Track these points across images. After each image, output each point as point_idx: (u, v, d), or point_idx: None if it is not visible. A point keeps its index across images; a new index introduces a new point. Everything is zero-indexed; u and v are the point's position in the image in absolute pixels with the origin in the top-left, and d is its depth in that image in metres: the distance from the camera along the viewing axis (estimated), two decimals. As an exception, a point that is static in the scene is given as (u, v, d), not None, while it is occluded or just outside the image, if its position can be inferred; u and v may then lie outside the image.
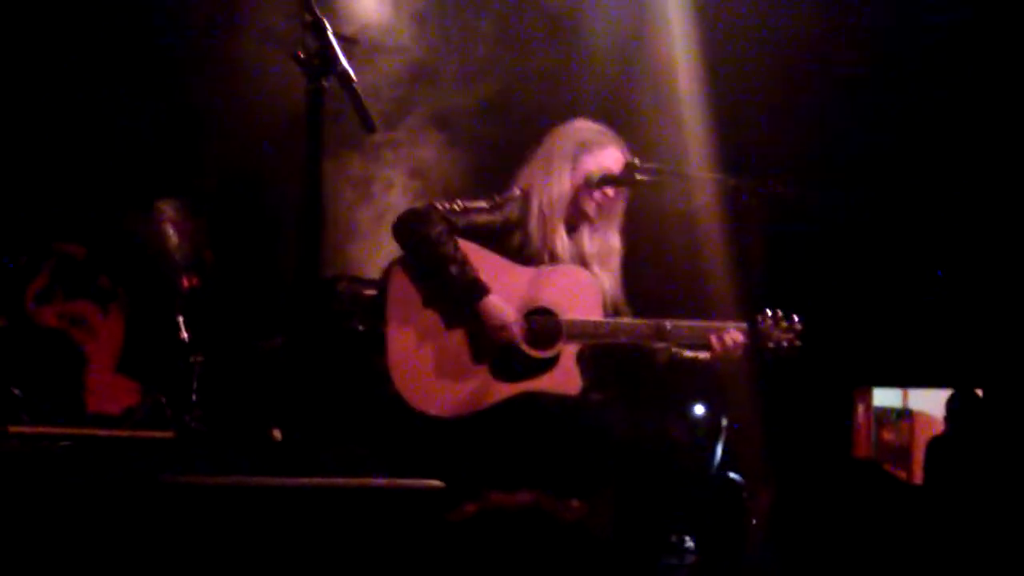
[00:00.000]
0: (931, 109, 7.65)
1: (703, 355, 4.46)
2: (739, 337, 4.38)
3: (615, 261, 4.54)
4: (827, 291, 7.35)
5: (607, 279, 4.48)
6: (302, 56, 3.50)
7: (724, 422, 7.22)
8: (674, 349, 4.49)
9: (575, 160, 4.46)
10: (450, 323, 4.23)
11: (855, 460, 8.62)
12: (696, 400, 7.15)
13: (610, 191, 4.47)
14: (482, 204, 4.42)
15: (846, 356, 8.23)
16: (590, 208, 4.47)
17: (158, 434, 5.03)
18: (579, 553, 4.02)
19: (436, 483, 3.57)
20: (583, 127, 4.55)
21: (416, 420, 4.16)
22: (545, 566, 3.97)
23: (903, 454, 8.76)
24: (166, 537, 3.48)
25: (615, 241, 4.55)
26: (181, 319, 5.39)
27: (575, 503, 3.96)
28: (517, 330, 4.23)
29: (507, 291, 4.25)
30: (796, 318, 4.47)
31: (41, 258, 5.41)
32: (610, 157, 4.48)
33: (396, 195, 6.07)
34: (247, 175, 6.12)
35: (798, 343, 4.45)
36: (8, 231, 5.52)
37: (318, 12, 3.45)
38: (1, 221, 5.58)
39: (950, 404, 7.86)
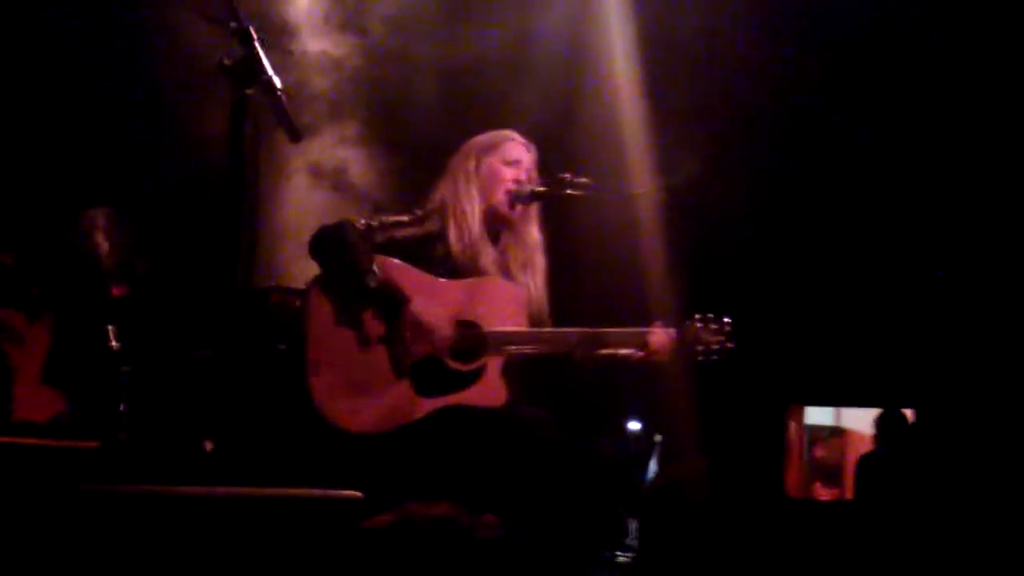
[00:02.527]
0: (872, 121, 7.71)
1: (622, 351, 4.45)
2: (665, 338, 4.38)
3: (539, 257, 4.55)
4: (761, 309, 7.38)
5: (534, 281, 4.49)
6: (227, 63, 3.49)
7: (658, 438, 7.25)
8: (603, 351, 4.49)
9: (479, 168, 4.49)
10: (371, 340, 4.22)
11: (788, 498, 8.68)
12: (629, 416, 7.17)
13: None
14: (403, 218, 4.44)
15: (779, 374, 8.28)
16: (509, 214, 4.48)
17: (83, 444, 4.97)
18: (495, 570, 4.01)
19: (355, 494, 3.56)
20: (478, 137, 4.59)
21: (339, 437, 4.15)
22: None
23: (835, 471, 8.81)
24: (85, 546, 3.45)
25: (536, 235, 4.57)
26: (111, 328, 5.33)
27: (490, 518, 3.95)
28: (445, 334, 4.22)
29: (430, 305, 4.24)
30: (726, 320, 4.47)
31: (-33, 265, 5.36)
32: (511, 150, 4.52)
33: (328, 201, 6.07)
34: (180, 183, 6.08)
35: (729, 344, 4.45)
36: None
37: (244, 20, 3.44)
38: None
39: (878, 422, 7.95)
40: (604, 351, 4.45)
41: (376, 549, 3.55)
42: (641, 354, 4.40)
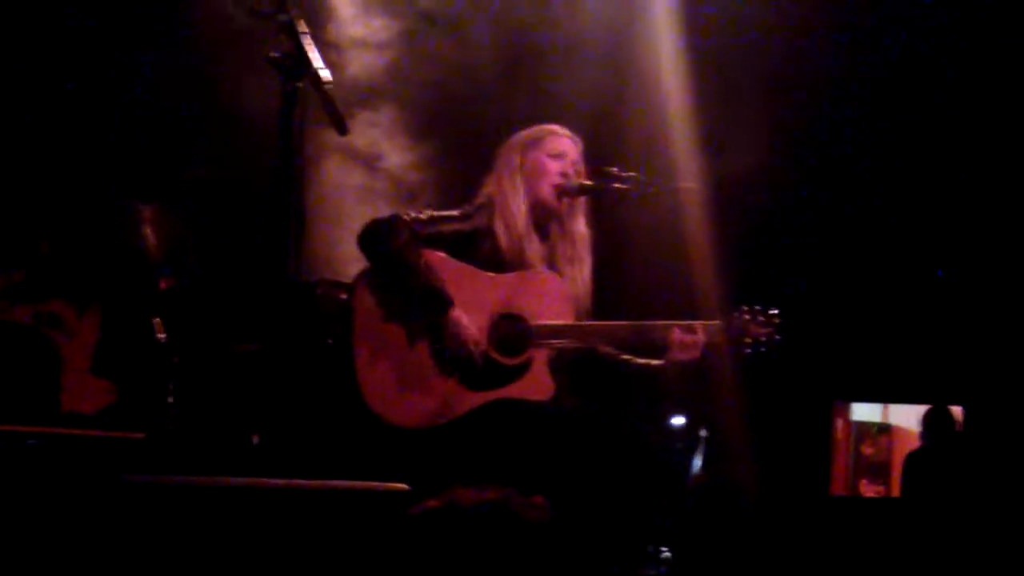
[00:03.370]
0: (919, 121, 7.66)
1: (655, 362, 4.44)
2: (700, 335, 4.35)
3: (585, 250, 4.54)
4: (808, 304, 7.35)
5: (581, 274, 4.48)
6: (275, 56, 3.50)
7: (703, 434, 7.22)
8: (624, 357, 4.48)
9: (523, 162, 4.48)
10: (417, 334, 4.23)
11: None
12: (675, 410, 7.15)
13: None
14: (452, 213, 4.44)
15: (826, 370, 8.25)
16: (556, 207, 4.48)
17: (131, 435, 5.01)
18: (544, 554, 4.00)
19: (402, 486, 3.57)
20: (523, 131, 4.59)
21: (387, 432, 4.16)
22: (510, 566, 3.95)
23: (882, 468, 8.77)
24: (128, 537, 3.47)
25: (583, 228, 4.55)
26: (158, 321, 5.36)
27: (539, 500, 3.95)
28: (481, 347, 4.22)
29: (476, 299, 4.25)
30: (772, 311, 4.43)
31: (17, 255, 5.39)
32: (556, 144, 4.50)
33: (378, 196, 6.07)
34: (230, 176, 6.11)
35: (777, 336, 4.41)
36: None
37: (292, 13, 3.45)
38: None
39: (925, 419, 7.91)
40: (638, 361, 4.46)
41: (423, 535, 3.55)
42: (673, 360, 4.36)
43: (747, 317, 4.40)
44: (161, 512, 3.49)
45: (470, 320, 4.21)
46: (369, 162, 6.12)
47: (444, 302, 4.17)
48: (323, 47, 3.67)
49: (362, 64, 6.14)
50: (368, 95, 6.12)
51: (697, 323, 4.37)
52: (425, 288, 4.16)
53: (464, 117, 6.35)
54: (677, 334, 4.32)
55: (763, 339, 4.39)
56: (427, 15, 6.32)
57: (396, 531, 3.40)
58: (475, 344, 4.20)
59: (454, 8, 6.38)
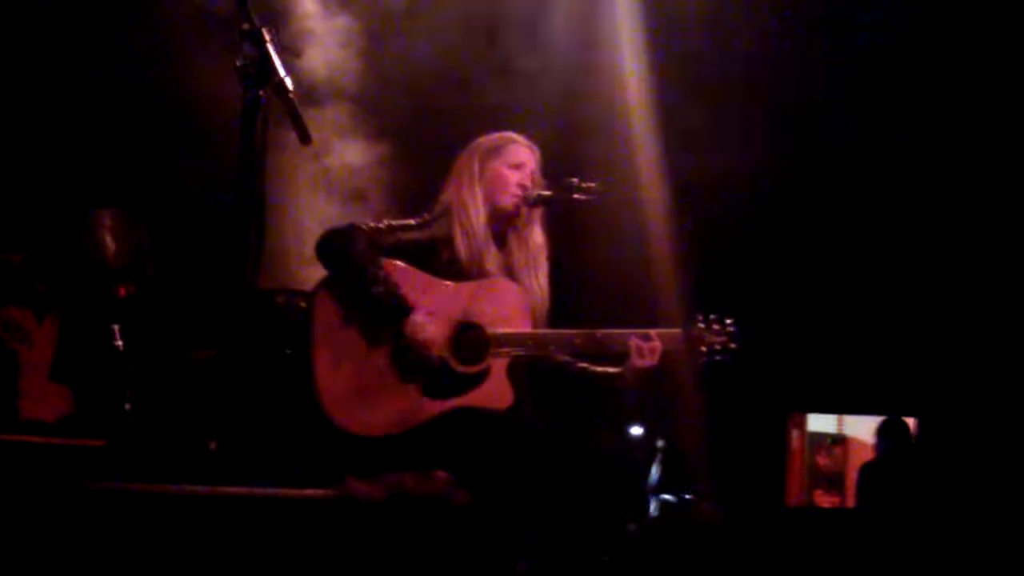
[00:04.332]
0: (880, 130, 7.72)
1: (612, 370, 4.47)
2: (665, 340, 4.38)
3: (542, 258, 4.57)
4: (764, 315, 7.40)
5: (538, 282, 4.50)
6: (239, 65, 3.50)
7: (660, 443, 7.25)
8: (581, 365, 4.51)
9: (483, 171, 4.50)
10: (376, 343, 4.23)
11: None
12: (633, 419, 7.18)
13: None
14: (409, 222, 4.46)
15: (781, 381, 8.30)
16: (514, 217, 4.50)
17: (90, 442, 5.00)
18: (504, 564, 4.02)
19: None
20: (483, 139, 4.60)
21: (346, 440, 4.16)
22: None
23: (837, 479, 8.83)
24: (90, 543, 3.47)
25: (540, 237, 4.58)
26: (116, 328, 5.35)
27: (440, 474, 3.96)
28: (440, 353, 4.24)
29: (435, 308, 4.25)
30: (728, 320, 4.47)
31: (-27, 264, 5.38)
32: (515, 154, 4.52)
33: (336, 204, 6.07)
34: (190, 184, 6.10)
35: (732, 345, 4.45)
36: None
37: (256, 21, 3.46)
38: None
39: (880, 430, 7.97)
40: (596, 369, 4.48)
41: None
42: (632, 367, 4.39)
43: (702, 326, 4.44)
44: (122, 519, 3.50)
45: (431, 328, 4.22)
46: (330, 170, 6.12)
47: (403, 309, 4.18)
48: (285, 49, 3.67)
49: (322, 65, 6.15)
50: (328, 99, 6.13)
51: (654, 331, 4.40)
52: (385, 295, 4.16)
53: (424, 122, 6.36)
54: (635, 341, 4.36)
55: (719, 347, 4.43)
56: (388, 13, 6.33)
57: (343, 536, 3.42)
58: (435, 349, 4.21)
59: (416, 6, 6.39)
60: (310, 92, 5.98)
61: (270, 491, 3.78)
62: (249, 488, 3.75)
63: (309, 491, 3.84)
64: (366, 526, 3.77)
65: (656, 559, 5.59)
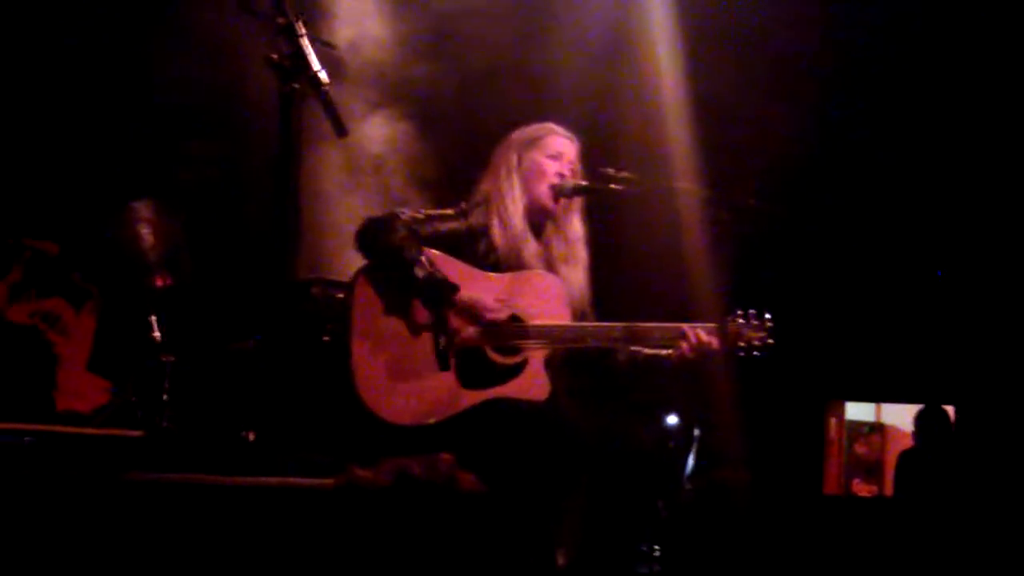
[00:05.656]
0: (913, 119, 7.68)
1: (664, 352, 4.45)
2: (704, 336, 4.37)
3: (581, 250, 4.55)
4: (802, 305, 7.36)
5: (577, 274, 4.49)
6: (275, 59, 3.51)
7: (696, 433, 7.24)
8: (633, 348, 4.49)
9: (521, 161, 4.49)
10: (415, 331, 4.23)
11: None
12: (669, 410, 7.16)
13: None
14: (447, 212, 4.45)
15: (820, 370, 8.27)
16: (552, 208, 4.49)
17: (128, 433, 5.02)
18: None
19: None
20: (521, 130, 4.60)
21: (383, 429, 4.16)
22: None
23: (875, 467, 8.80)
24: (129, 534, 3.49)
25: (579, 228, 4.57)
26: (154, 319, 5.37)
27: (446, 456, 3.95)
28: (504, 313, 4.24)
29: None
30: (767, 316, 4.44)
31: (14, 255, 5.40)
32: (554, 145, 4.52)
33: (373, 195, 6.07)
34: (225, 176, 6.12)
35: (770, 341, 4.43)
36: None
37: (291, 15, 3.47)
38: (-28, 218, 5.59)
39: (918, 419, 7.93)
40: (646, 351, 4.46)
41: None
42: (681, 353, 4.38)
43: (741, 321, 4.42)
44: (161, 510, 3.51)
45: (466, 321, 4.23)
46: (365, 161, 6.12)
47: (450, 288, 4.15)
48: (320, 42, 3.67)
49: (361, 61, 6.14)
50: (365, 92, 6.12)
51: (690, 325, 4.39)
52: (428, 279, 4.15)
53: (462, 114, 6.35)
54: (700, 335, 4.34)
55: (756, 343, 4.40)
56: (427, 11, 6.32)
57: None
58: (494, 312, 4.21)
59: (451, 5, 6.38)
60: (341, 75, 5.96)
61: (306, 481, 3.78)
62: (287, 479, 3.75)
63: (311, 480, 3.83)
64: (371, 514, 3.76)
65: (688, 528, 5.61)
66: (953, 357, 8.26)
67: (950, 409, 8.07)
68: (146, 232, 5.47)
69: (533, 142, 4.53)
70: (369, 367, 4.18)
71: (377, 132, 6.13)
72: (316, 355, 4.88)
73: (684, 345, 4.33)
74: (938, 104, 7.55)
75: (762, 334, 4.41)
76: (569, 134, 4.58)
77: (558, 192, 4.46)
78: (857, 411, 8.90)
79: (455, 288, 4.16)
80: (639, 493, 4.37)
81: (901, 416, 8.59)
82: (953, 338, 8.23)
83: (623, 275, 5.74)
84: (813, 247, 7.85)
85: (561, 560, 4.08)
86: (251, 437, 4.63)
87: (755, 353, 4.41)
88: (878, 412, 8.90)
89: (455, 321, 4.21)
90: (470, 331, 4.24)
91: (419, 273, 4.15)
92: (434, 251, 4.29)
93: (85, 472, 3.63)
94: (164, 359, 5.34)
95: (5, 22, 5.87)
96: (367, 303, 4.25)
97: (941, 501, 7.17)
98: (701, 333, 4.34)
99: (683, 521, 6.10)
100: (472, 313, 4.23)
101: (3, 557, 3.39)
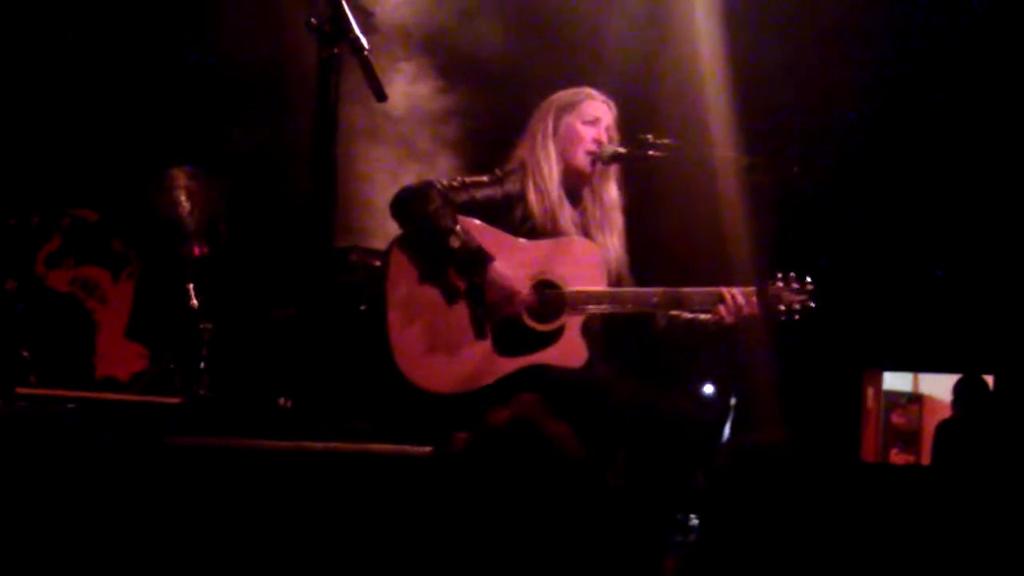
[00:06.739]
0: (953, 94, 7.62)
1: (703, 316, 4.43)
2: (742, 299, 4.34)
3: (618, 216, 4.54)
4: (840, 273, 7.33)
5: (613, 241, 4.48)
6: (314, 23, 3.50)
7: (733, 402, 7.24)
8: (673, 312, 4.47)
9: (557, 126, 4.47)
10: (451, 299, 4.23)
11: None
12: (706, 378, 7.16)
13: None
14: (483, 179, 4.44)
15: (857, 339, 8.23)
16: (589, 174, 4.47)
17: (166, 399, 5.05)
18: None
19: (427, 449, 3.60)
20: (557, 95, 4.56)
21: (420, 397, 4.17)
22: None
23: (912, 437, 8.77)
24: (170, 498, 3.51)
25: (615, 194, 4.55)
26: (191, 287, 5.39)
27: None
28: (525, 296, 4.23)
29: (512, 265, 4.24)
30: (808, 279, 4.42)
31: (53, 222, 5.42)
32: (590, 110, 4.49)
33: (411, 164, 6.06)
34: (266, 142, 6.11)
35: (811, 304, 4.41)
36: (21, 194, 5.54)
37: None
38: (15, 183, 5.60)
39: (957, 389, 7.89)
40: (685, 316, 4.44)
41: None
42: (720, 318, 4.36)
43: (781, 284, 4.40)
44: (199, 474, 3.53)
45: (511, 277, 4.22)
46: (405, 128, 6.11)
47: (484, 258, 4.16)
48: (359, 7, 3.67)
49: (397, 28, 6.12)
50: (403, 61, 6.11)
51: (728, 289, 4.36)
52: (463, 249, 4.15)
53: (497, 80, 6.32)
54: (739, 298, 4.32)
55: (797, 307, 4.38)
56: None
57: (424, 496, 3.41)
58: (519, 294, 4.21)
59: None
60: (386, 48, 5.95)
61: (342, 446, 3.79)
62: (330, 443, 3.76)
63: (380, 447, 3.83)
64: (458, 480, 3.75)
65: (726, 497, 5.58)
66: (992, 327, 8.21)
67: (989, 379, 8.02)
68: (183, 199, 5.48)
69: (569, 107, 4.51)
70: (405, 336, 4.20)
71: (418, 96, 6.12)
72: (353, 323, 4.89)
73: (722, 309, 4.32)
74: (989, 70, 7.48)
75: (803, 297, 4.39)
76: (607, 99, 4.55)
77: (595, 158, 4.44)
78: (895, 381, 8.87)
79: (488, 259, 4.17)
80: (676, 461, 4.36)
81: (940, 386, 8.55)
82: (992, 307, 8.18)
83: (661, 243, 5.72)
84: (854, 215, 7.80)
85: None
86: (286, 404, 4.65)
87: (796, 317, 4.38)
88: (916, 382, 8.87)
89: (489, 293, 4.21)
90: (502, 305, 4.23)
91: (453, 243, 4.16)
92: (472, 220, 4.28)
93: (129, 436, 3.65)
94: (202, 326, 5.36)
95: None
96: (403, 272, 4.25)
97: (980, 472, 7.13)
98: (739, 296, 4.32)
99: (720, 490, 6.08)
100: (499, 291, 4.22)
101: (45, 521, 3.42)
